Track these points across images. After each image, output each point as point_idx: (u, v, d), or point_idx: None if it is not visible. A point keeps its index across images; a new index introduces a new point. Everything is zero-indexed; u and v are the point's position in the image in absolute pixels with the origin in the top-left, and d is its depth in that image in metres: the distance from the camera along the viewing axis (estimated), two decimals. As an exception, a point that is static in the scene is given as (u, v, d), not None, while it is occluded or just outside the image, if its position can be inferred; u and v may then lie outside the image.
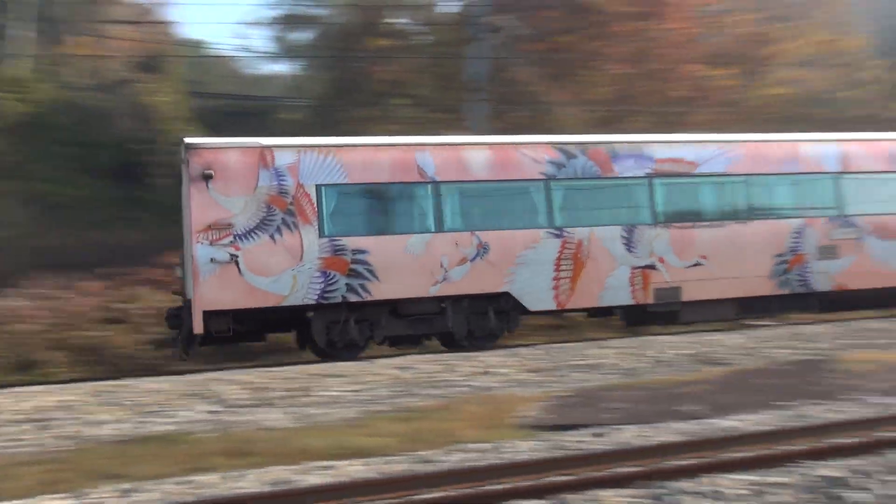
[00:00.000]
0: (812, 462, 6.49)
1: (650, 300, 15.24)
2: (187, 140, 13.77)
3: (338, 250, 13.66)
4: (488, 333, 14.62)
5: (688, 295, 15.45)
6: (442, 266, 14.12)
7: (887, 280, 16.52)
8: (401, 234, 14.10)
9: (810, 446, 6.90)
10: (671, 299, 15.39)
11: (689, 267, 15.49)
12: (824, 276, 16.19)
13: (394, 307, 14.03)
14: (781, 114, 28.79)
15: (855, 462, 6.47)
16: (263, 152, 13.69)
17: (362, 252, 13.73)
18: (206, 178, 13.20)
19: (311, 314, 13.73)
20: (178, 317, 13.78)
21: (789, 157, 16.68)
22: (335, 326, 13.77)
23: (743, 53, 27.96)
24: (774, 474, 6.24)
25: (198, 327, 12.97)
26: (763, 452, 6.76)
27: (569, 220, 14.88)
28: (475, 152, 14.83)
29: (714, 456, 6.73)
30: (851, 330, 14.42)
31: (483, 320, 14.50)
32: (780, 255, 16.04)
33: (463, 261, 14.23)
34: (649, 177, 15.56)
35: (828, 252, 16.23)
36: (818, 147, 16.96)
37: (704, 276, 15.52)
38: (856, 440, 7.00)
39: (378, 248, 13.85)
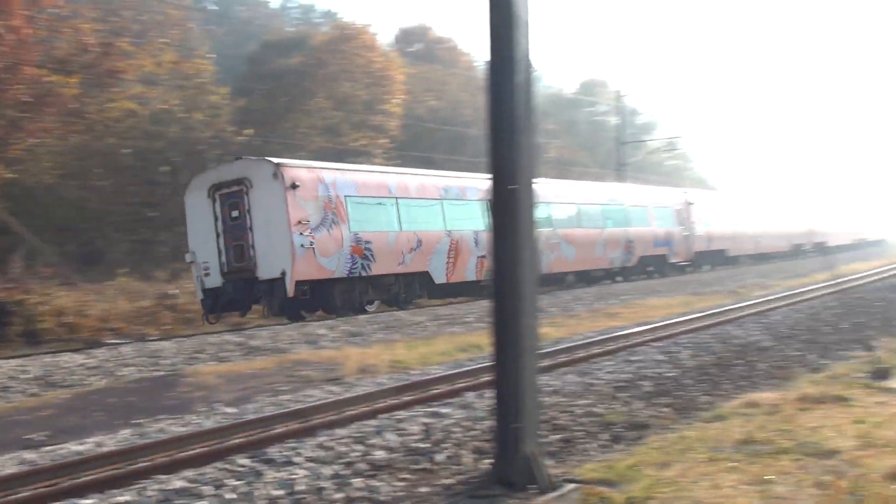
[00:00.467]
0: (165, 476, 6.64)
1: (483, 277, 23.66)
2: (276, 160, 19.57)
3: (358, 241, 20.34)
4: (412, 298, 22.58)
5: None
6: (402, 253, 21.57)
7: (572, 266, 28.45)
8: (385, 231, 21.23)
9: (162, 460, 7.05)
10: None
11: None
12: (544, 263, 26.16)
13: (372, 280, 21.04)
14: (132, 128, 29.13)
15: (207, 470, 6.78)
16: (318, 172, 20.17)
17: (369, 242, 20.63)
18: (294, 188, 18.97)
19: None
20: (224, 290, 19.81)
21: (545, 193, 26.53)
22: (344, 293, 20.30)
23: (88, 63, 27.56)
24: (128, 493, 6.24)
25: (291, 292, 18.72)
26: (115, 472, 6.73)
27: (453, 226, 23.33)
28: (411, 178, 23.14)
29: (64, 482, 6.49)
30: (196, 345, 15.12)
31: (412, 289, 22.46)
32: None
33: (411, 250, 21.82)
34: (481, 200, 24.16)
35: (547, 249, 26.27)
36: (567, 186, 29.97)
37: None
38: (206, 449, 7.37)
39: (376, 240, 20.86)
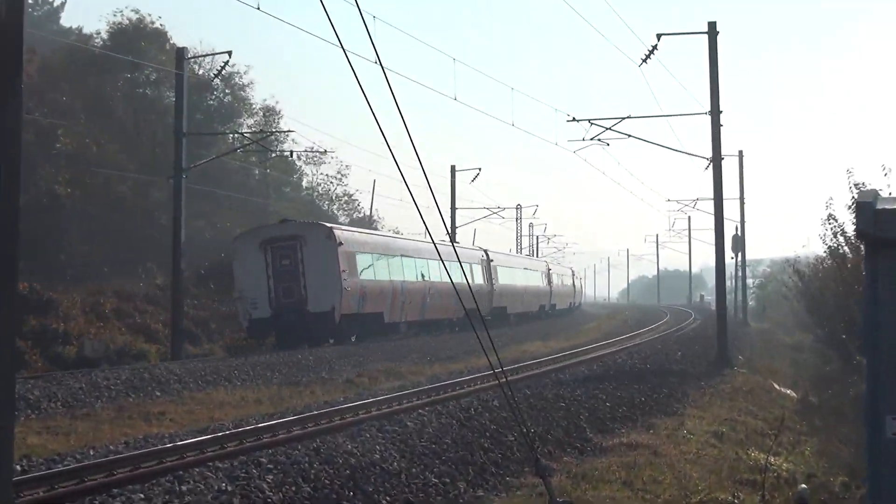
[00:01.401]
0: None
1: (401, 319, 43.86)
2: (328, 225, 38.13)
3: (362, 287, 37.12)
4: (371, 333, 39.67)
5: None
6: (375, 296, 39.11)
7: (440, 314, 46.79)
8: (376, 279, 39.49)
9: None
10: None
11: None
12: (427, 307, 44.63)
13: (362, 317, 37.82)
14: None
15: None
16: (345, 233, 38.17)
17: (365, 288, 37.59)
18: (340, 245, 34.71)
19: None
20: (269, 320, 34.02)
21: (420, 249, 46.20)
22: (354, 325, 37.16)
23: None
24: None
25: (337, 321, 34.23)
26: None
27: (394, 276, 41.80)
28: (389, 239, 46.73)
29: None
30: None
31: (373, 325, 39.81)
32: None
33: (377, 295, 39.59)
34: (410, 257, 44.77)
35: (430, 297, 44.25)
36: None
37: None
38: None
39: (369, 285, 38.25)
